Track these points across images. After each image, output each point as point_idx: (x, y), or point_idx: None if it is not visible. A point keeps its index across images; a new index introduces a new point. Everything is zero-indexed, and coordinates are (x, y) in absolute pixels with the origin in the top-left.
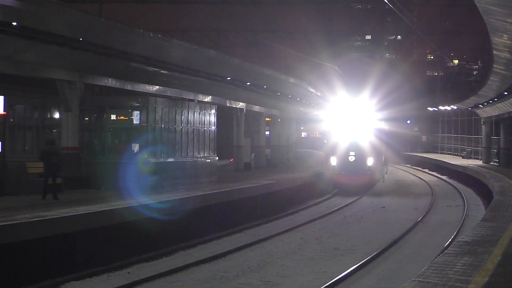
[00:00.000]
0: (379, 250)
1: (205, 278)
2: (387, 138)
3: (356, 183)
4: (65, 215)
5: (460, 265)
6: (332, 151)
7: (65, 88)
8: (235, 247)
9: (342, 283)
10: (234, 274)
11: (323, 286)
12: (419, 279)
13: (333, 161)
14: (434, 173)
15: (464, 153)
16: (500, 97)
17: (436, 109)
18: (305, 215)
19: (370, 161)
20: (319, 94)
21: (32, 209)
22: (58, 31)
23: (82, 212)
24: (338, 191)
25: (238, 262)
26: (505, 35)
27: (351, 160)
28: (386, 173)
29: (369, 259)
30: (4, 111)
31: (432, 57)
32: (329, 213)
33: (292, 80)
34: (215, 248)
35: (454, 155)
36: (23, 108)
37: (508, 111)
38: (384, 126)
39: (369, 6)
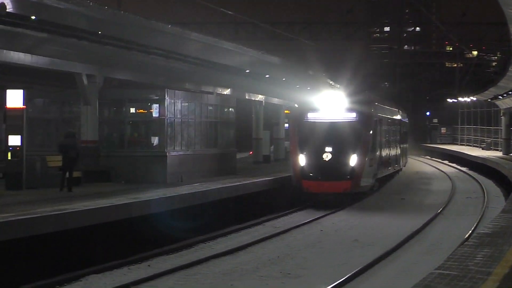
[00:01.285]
0: (399, 242)
1: (225, 271)
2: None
3: (331, 193)
4: (85, 208)
5: (480, 257)
6: (301, 145)
7: (84, 82)
8: (255, 239)
9: (362, 275)
10: (254, 266)
11: (343, 278)
12: (439, 271)
13: (301, 160)
14: (453, 164)
15: (483, 145)
16: None
17: (456, 101)
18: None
19: (353, 161)
20: (338, 86)
21: (52, 202)
22: (77, 25)
23: (102, 206)
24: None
25: (258, 254)
26: None
27: (326, 159)
28: (401, 169)
29: (389, 250)
30: (23, 105)
31: (451, 49)
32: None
33: (311, 72)
34: (234, 241)
35: (473, 146)
36: (42, 101)
37: None
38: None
39: None
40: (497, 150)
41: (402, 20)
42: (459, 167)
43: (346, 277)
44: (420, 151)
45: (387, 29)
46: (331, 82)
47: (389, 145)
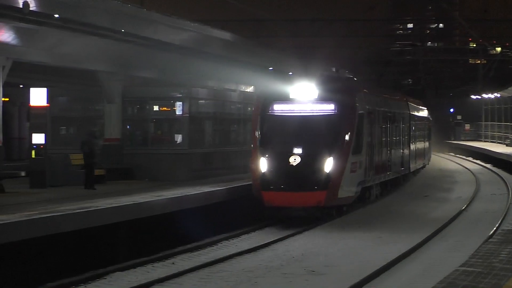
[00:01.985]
0: (423, 238)
1: (249, 268)
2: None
3: (299, 207)
4: (108, 206)
5: (504, 254)
6: (262, 146)
7: (107, 80)
8: (278, 237)
9: (386, 272)
10: (278, 264)
11: (367, 275)
12: (464, 268)
13: (262, 165)
14: (477, 161)
15: (508, 141)
16: None
17: (479, 97)
18: None
19: (329, 165)
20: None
21: (76, 200)
22: (100, 23)
23: (126, 203)
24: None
25: (281, 251)
26: None
27: (294, 164)
28: (425, 165)
29: (414, 247)
30: (47, 103)
31: (474, 45)
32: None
33: (333, 69)
34: (258, 238)
35: (497, 143)
36: (65, 100)
37: None
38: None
39: None
40: None
41: (425, 17)
42: (483, 163)
43: (369, 273)
44: (444, 148)
45: (410, 25)
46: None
47: (391, 144)
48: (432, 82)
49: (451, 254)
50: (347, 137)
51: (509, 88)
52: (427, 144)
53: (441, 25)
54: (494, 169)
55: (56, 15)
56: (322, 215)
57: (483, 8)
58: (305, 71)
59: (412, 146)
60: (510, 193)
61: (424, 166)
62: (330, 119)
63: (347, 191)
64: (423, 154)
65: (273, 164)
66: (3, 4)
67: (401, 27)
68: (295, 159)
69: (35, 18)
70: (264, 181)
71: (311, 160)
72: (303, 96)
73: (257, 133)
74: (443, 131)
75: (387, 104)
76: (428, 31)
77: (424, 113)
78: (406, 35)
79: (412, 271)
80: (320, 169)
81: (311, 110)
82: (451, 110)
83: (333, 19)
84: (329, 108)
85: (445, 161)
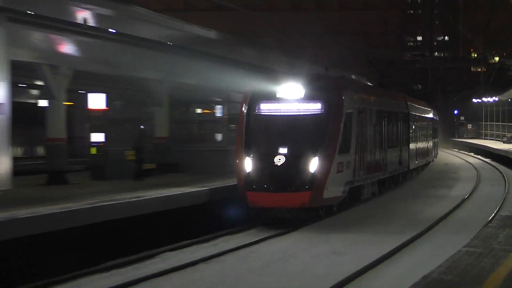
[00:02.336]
0: (432, 222)
1: (281, 249)
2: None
3: (284, 208)
4: (160, 195)
5: (502, 236)
6: (248, 145)
7: (156, 86)
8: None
9: (398, 253)
10: (307, 245)
11: (380, 256)
12: (466, 248)
13: (247, 164)
14: (478, 156)
15: (505, 139)
16: None
17: (480, 101)
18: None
19: (314, 165)
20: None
21: (131, 191)
22: (149, 36)
23: (174, 193)
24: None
25: (309, 234)
26: None
27: (278, 164)
28: (431, 161)
29: (424, 230)
30: (105, 107)
31: (475, 55)
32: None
33: (353, 76)
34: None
35: (496, 140)
36: (120, 103)
37: None
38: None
39: (419, 11)
40: None
41: (433, 30)
42: (483, 158)
43: (382, 255)
44: (449, 145)
45: (419, 38)
46: (370, 84)
47: (386, 143)
48: (439, 87)
49: (455, 236)
50: (333, 137)
51: (506, 93)
52: (431, 142)
53: (446, 37)
54: (493, 163)
55: (111, 30)
56: (308, 216)
57: (485, 21)
58: (292, 70)
59: (412, 145)
60: (507, 184)
61: (428, 163)
62: (316, 119)
63: (333, 191)
64: (426, 152)
65: (258, 164)
66: (65, 20)
67: (412, 39)
68: (279, 159)
69: (92, 32)
70: (248, 181)
71: (296, 160)
72: (289, 95)
73: (243, 132)
74: (449, 130)
75: (381, 103)
76: (435, 43)
77: (427, 113)
78: (416, 46)
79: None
80: (305, 170)
81: (297, 110)
82: (456, 111)
83: (352, 33)
84: (315, 107)
85: (450, 156)
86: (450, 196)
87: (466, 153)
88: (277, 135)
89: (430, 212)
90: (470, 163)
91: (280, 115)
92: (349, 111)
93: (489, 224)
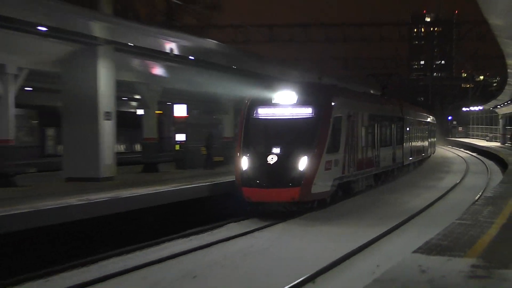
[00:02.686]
0: (431, 201)
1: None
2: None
3: (275, 202)
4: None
5: (486, 212)
6: (245, 146)
7: (224, 99)
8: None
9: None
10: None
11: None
12: (458, 221)
13: (243, 163)
14: (467, 151)
15: (487, 138)
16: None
17: (468, 109)
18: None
19: (303, 164)
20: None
21: (206, 177)
22: (218, 62)
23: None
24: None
25: (292, 227)
26: None
27: (271, 162)
28: (427, 157)
29: (425, 206)
30: (186, 114)
31: (465, 75)
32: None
33: (373, 91)
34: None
35: (480, 139)
36: (197, 112)
37: None
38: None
39: (422, 42)
40: (496, 141)
41: (433, 56)
42: (470, 152)
43: (385, 230)
44: (445, 143)
45: (422, 62)
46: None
47: (378, 143)
48: (437, 99)
49: (448, 213)
50: (321, 138)
51: (488, 104)
52: (428, 141)
53: (443, 61)
54: (479, 156)
55: (190, 57)
56: (299, 209)
57: (473, 50)
58: (287, 79)
59: (407, 144)
60: (489, 172)
61: (424, 159)
62: (307, 122)
63: (322, 187)
64: (421, 149)
65: (253, 163)
66: (157, 50)
67: (416, 63)
68: (272, 158)
69: (176, 59)
70: (244, 178)
71: (287, 159)
72: (283, 101)
73: (241, 134)
74: (444, 131)
75: (374, 108)
76: (434, 66)
77: (425, 118)
78: (419, 68)
79: (423, 220)
80: (295, 167)
81: (290, 114)
82: (450, 117)
83: (369, 58)
84: (306, 112)
85: (445, 152)
86: (447, 180)
87: (458, 149)
88: (271, 137)
89: (427, 196)
90: (461, 156)
91: (275, 118)
92: (338, 115)
93: (476, 203)
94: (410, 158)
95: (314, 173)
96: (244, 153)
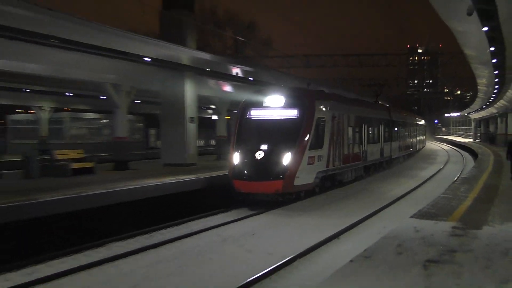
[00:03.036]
0: (425, 179)
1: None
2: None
3: (261, 193)
4: None
5: (463, 188)
6: (238, 144)
7: None
8: (247, 214)
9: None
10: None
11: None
12: (442, 195)
13: (235, 158)
14: (448, 145)
15: (463, 135)
16: (481, 109)
17: (449, 115)
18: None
19: (286, 159)
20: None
21: None
22: (265, 80)
23: None
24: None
25: (275, 217)
26: (484, 79)
27: (258, 158)
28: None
29: (420, 183)
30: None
31: (447, 90)
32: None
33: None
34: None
35: (458, 136)
36: None
37: (484, 116)
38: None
39: (416, 67)
40: (469, 138)
41: (423, 76)
42: (451, 146)
43: (385, 203)
44: (433, 139)
45: (416, 81)
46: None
47: (366, 140)
48: (427, 108)
49: (435, 189)
50: (304, 136)
51: (463, 111)
52: (417, 138)
53: (431, 80)
54: (457, 149)
55: (250, 78)
56: (284, 199)
57: (454, 72)
58: (278, 85)
59: (395, 141)
60: (464, 160)
61: (413, 153)
62: (292, 122)
63: (304, 179)
64: (410, 145)
65: (243, 158)
66: (227, 74)
67: (412, 81)
68: (259, 154)
69: (240, 80)
70: (235, 172)
71: (272, 155)
72: (273, 104)
73: (235, 133)
74: (432, 131)
75: (362, 111)
76: (424, 84)
77: (414, 120)
78: (414, 85)
79: (417, 194)
80: (279, 162)
81: (278, 115)
82: (436, 121)
83: (376, 79)
84: (292, 113)
85: (433, 146)
86: (434, 166)
87: (442, 143)
88: (260, 135)
89: (423, 174)
90: (444, 149)
91: (264, 119)
92: (321, 116)
93: (455, 182)
94: (399, 153)
95: (297, 167)
96: (236, 150)
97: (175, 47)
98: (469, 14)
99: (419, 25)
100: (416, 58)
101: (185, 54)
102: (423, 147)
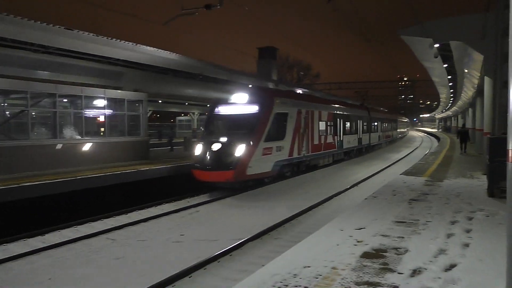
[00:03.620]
0: (399, 159)
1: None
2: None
3: (216, 182)
4: None
5: (431, 158)
6: (203, 137)
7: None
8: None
9: (374, 175)
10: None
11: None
12: (419, 162)
13: (197, 149)
14: (423, 134)
15: (431, 127)
16: (441, 112)
17: (423, 116)
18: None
19: (239, 151)
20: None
21: None
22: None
23: None
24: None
25: (231, 202)
26: (444, 95)
27: (215, 149)
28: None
29: (392, 163)
30: None
31: (421, 101)
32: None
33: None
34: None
35: (430, 128)
36: None
37: (444, 116)
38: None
39: (402, 88)
40: (435, 129)
41: (409, 95)
42: (425, 134)
43: (355, 182)
44: (413, 131)
45: (403, 96)
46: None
47: (341, 132)
48: (409, 112)
49: (404, 166)
50: (260, 129)
51: (431, 113)
52: (398, 131)
53: (412, 96)
54: (428, 136)
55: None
56: (240, 186)
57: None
58: (243, 85)
59: (374, 132)
60: (432, 143)
61: (392, 141)
62: (251, 117)
63: (259, 168)
64: (389, 135)
65: (202, 149)
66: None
67: (401, 97)
68: (217, 146)
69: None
70: (194, 162)
71: (227, 147)
72: (237, 101)
73: (204, 127)
74: (413, 125)
75: (335, 109)
76: (408, 98)
77: (393, 117)
78: (402, 99)
79: (389, 169)
80: (232, 153)
81: (240, 111)
82: (415, 119)
83: (378, 97)
84: (252, 109)
85: (413, 133)
86: (414, 146)
87: (418, 132)
88: (223, 128)
89: (405, 151)
90: (420, 136)
91: (227, 114)
92: (282, 111)
93: (426, 154)
94: (378, 141)
95: (249, 158)
96: (200, 142)
97: (265, 81)
98: (436, 57)
99: (405, 62)
100: (402, 83)
101: (270, 84)
102: (405, 136)
